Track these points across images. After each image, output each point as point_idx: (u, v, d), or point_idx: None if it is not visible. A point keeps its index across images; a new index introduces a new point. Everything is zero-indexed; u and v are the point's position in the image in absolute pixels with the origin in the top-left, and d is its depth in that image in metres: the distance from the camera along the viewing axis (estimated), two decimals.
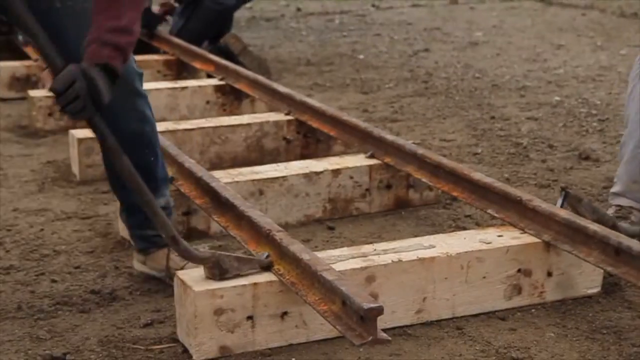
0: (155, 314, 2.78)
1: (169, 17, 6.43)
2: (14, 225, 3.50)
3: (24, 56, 5.76)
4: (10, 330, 2.69)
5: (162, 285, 2.96)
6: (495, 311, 2.78)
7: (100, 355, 2.54)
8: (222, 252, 2.59)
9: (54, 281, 3.02)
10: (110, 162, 2.83)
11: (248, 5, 7.51)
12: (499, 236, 2.86)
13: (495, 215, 3.05)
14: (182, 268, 2.82)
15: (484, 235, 2.88)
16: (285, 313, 2.55)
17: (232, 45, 5.89)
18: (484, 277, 2.77)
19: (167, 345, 2.60)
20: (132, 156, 2.73)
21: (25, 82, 5.53)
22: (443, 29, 8.02)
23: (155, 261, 2.98)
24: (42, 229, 3.44)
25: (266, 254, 2.62)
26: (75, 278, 3.04)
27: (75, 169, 4.07)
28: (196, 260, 2.56)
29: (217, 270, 2.54)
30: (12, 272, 3.09)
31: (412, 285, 2.68)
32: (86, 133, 4.12)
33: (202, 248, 3.25)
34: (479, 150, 4.46)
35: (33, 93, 4.89)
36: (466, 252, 2.75)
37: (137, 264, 3.04)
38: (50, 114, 4.78)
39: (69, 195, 3.86)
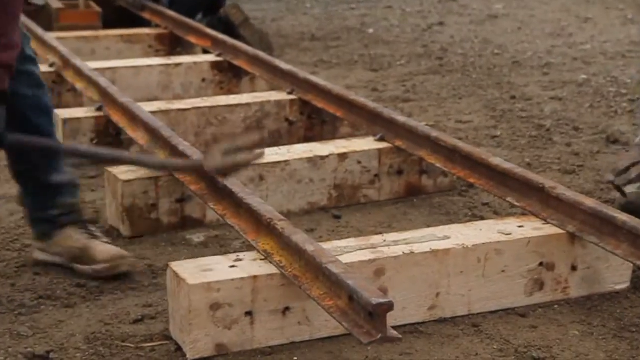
0: (146, 309, 2.79)
1: None
2: None
3: None
4: None
5: (153, 278, 2.96)
6: (515, 308, 2.78)
7: (87, 353, 2.55)
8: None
9: (36, 274, 3.02)
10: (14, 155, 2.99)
11: None
12: (520, 227, 2.86)
13: (516, 203, 3.05)
14: (85, 246, 2.94)
15: (503, 225, 2.88)
16: (287, 309, 2.56)
17: (232, 16, 5.89)
18: (503, 271, 2.77)
19: (159, 342, 2.60)
20: (33, 126, 2.84)
21: None
22: (460, 0, 8.00)
23: (58, 244, 3.03)
24: (23, 217, 3.44)
25: None
26: (59, 270, 3.05)
27: None
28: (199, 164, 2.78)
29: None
30: None
31: (425, 279, 2.69)
32: (72, 113, 4.12)
33: (197, 238, 3.26)
34: (498, 133, 4.46)
35: None
36: (483, 243, 2.75)
37: (38, 253, 3.08)
38: None
39: None
